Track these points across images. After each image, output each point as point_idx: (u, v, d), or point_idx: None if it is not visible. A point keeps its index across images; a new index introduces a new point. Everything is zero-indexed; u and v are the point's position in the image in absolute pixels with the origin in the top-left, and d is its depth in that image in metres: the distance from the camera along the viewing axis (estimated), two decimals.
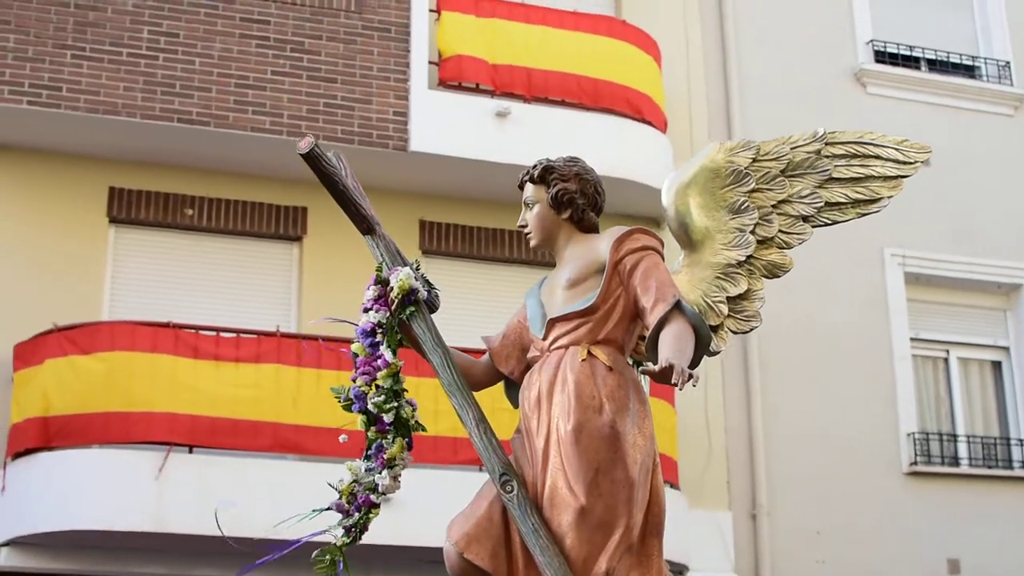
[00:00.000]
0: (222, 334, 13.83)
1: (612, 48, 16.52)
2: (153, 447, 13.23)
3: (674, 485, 14.73)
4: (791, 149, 5.97)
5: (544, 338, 5.66)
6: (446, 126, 15.22)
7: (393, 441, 5.64)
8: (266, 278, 15.39)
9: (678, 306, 5.35)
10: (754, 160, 5.98)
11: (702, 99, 17.60)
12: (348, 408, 5.70)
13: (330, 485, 5.62)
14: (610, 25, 16.60)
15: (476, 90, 15.55)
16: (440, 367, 5.61)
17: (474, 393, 5.70)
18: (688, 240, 5.96)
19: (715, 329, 5.81)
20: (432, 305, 5.85)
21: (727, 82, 17.91)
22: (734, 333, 5.86)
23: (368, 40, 15.14)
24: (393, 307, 5.67)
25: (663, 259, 5.62)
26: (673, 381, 5.00)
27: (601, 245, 5.63)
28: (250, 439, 13.45)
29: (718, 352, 5.77)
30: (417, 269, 5.86)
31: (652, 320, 5.36)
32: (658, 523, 5.48)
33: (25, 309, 14.15)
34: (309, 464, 13.47)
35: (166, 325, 13.58)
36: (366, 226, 5.90)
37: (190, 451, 13.45)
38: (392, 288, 5.67)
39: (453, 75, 15.45)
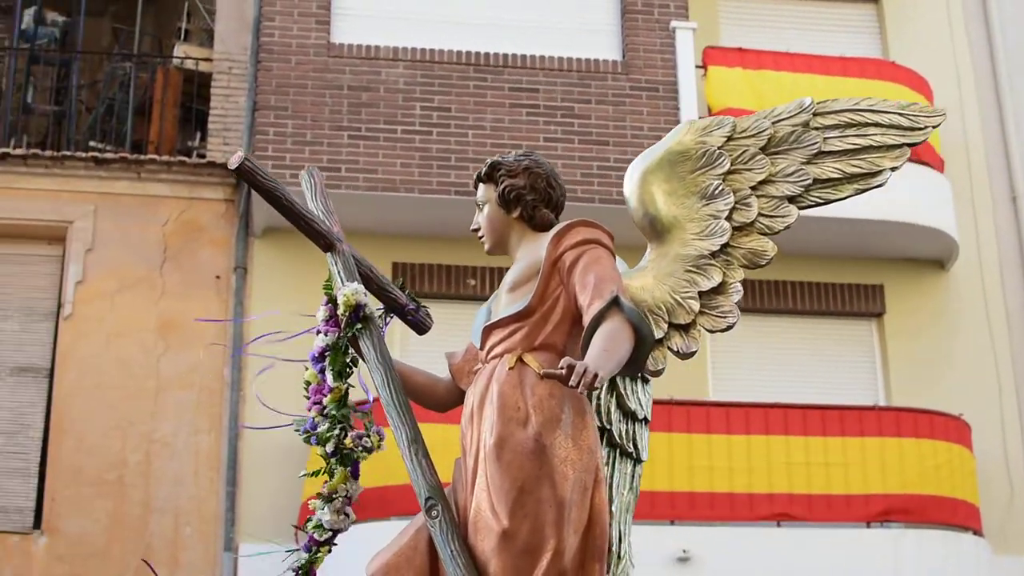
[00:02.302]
0: None
1: (882, 91, 16.35)
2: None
3: (977, 532, 14.40)
4: (773, 124, 5.48)
5: (481, 347, 5.31)
6: None
7: (334, 472, 5.30)
8: None
9: (616, 303, 4.94)
10: (729, 138, 5.49)
11: (977, 134, 17.36)
12: (308, 442, 5.39)
13: (294, 527, 5.57)
14: (879, 67, 16.60)
15: None
16: (380, 385, 5.29)
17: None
18: (655, 232, 5.48)
19: (686, 328, 5.32)
20: (423, 326, 5.68)
21: (1002, 114, 17.57)
22: (709, 332, 5.34)
23: (636, 100, 15.42)
24: (342, 326, 5.39)
25: (612, 253, 5.22)
26: (571, 383, 4.60)
27: (545, 243, 5.24)
28: None
29: (691, 353, 5.33)
30: (403, 288, 5.73)
31: (586, 319, 4.97)
32: (599, 546, 4.99)
33: None
34: None
35: None
36: (324, 243, 5.58)
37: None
38: (339, 306, 5.39)
39: None
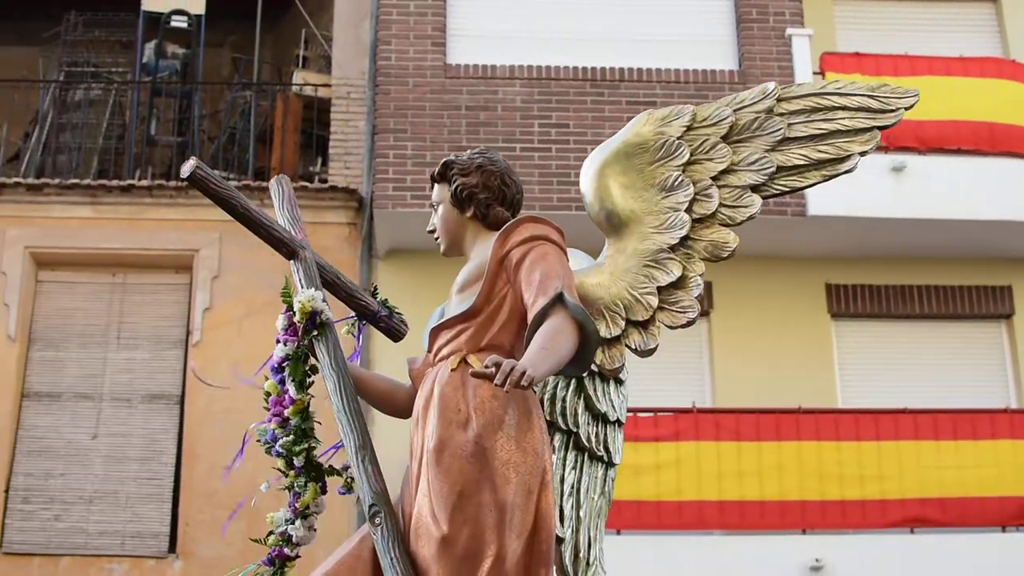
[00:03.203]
0: (639, 414, 14.11)
1: (1004, 90, 16.31)
2: None
3: None
4: (734, 112, 5.34)
5: (429, 349, 5.22)
6: (842, 187, 15.14)
7: (306, 487, 5.24)
8: (676, 355, 15.67)
9: (560, 299, 4.85)
10: (689, 128, 5.36)
11: None
12: (269, 453, 5.31)
13: (253, 540, 5.38)
14: (999, 66, 16.57)
15: None
16: (332, 392, 5.20)
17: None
18: (612, 227, 5.35)
19: (644, 325, 5.17)
20: (397, 332, 5.64)
21: None
22: (669, 328, 5.20)
23: None
24: (300, 334, 5.32)
25: (562, 249, 5.10)
26: (496, 382, 4.51)
27: (494, 241, 5.15)
28: (674, 518, 13.72)
29: (650, 351, 5.18)
30: (375, 294, 5.69)
31: (530, 317, 4.89)
32: (546, 551, 4.85)
33: None
34: (735, 538, 13.64)
35: None
36: (286, 250, 5.51)
37: (617, 534, 13.72)
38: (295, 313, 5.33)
39: None
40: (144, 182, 16.57)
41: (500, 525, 4.74)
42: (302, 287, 5.40)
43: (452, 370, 4.98)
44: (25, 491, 15.60)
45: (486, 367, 4.57)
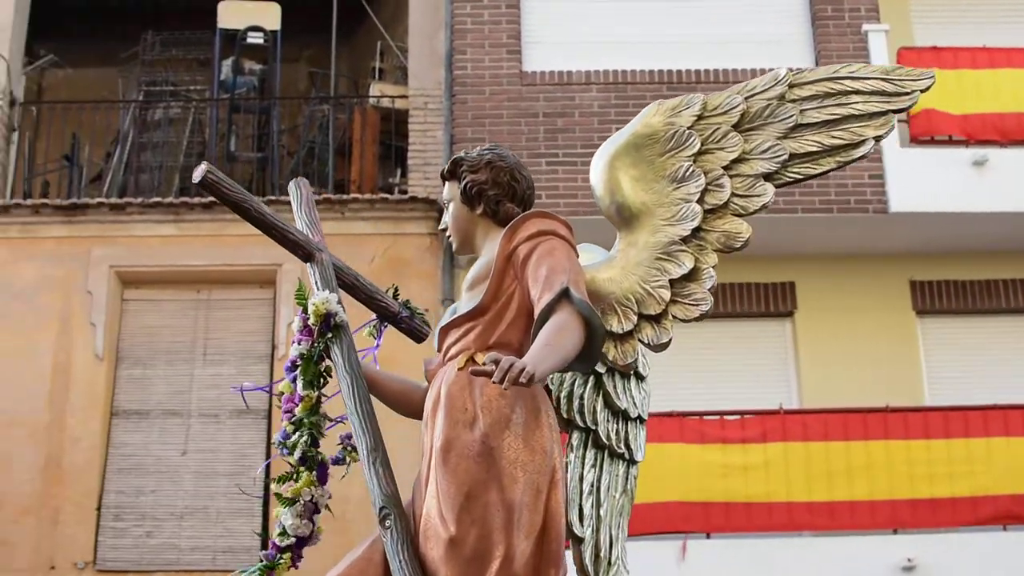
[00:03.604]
0: (726, 417, 14.16)
1: None
2: (669, 537, 13.62)
3: None
4: (746, 99, 5.27)
5: (439, 348, 5.19)
6: (923, 182, 15.35)
7: (299, 476, 5.23)
8: (761, 357, 15.74)
9: (566, 295, 4.80)
10: (699, 117, 5.27)
11: None
12: (282, 453, 5.32)
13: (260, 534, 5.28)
14: None
15: (949, 142, 15.54)
16: (346, 395, 5.21)
17: None
18: (623, 220, 5.26)
19: (657, 319, 5.10)
20: (419, 333, 5.63)
21: None
22: (682, 321, 5.13)
23: None
24: (314, 335, 5.32)
25: (570, 243, 5.03)
26: (494, 380, 4.44)
27: (501, 237, 5.10)
28: (765, 519, 13.69)
29: (663, 345, 5.12)
30: (396, 295, 5.69)
31: (536, 313, 4.83)
32: (556, 550, 4.80)
33: None
34: (826, 539, 13.65)
35: (670, 414, 14.02)
36: (302, 253, 5.53)
37: (708, 537, 13.76)
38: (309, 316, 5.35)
39: (924, 130, 15.62)
40: None
41: (508, 525, 4.70)
42: (317, 289, 5.40)
43: (459, 369, 4.94)
44: (117, 508, 15.84)
45: (484, 364, 4.53)
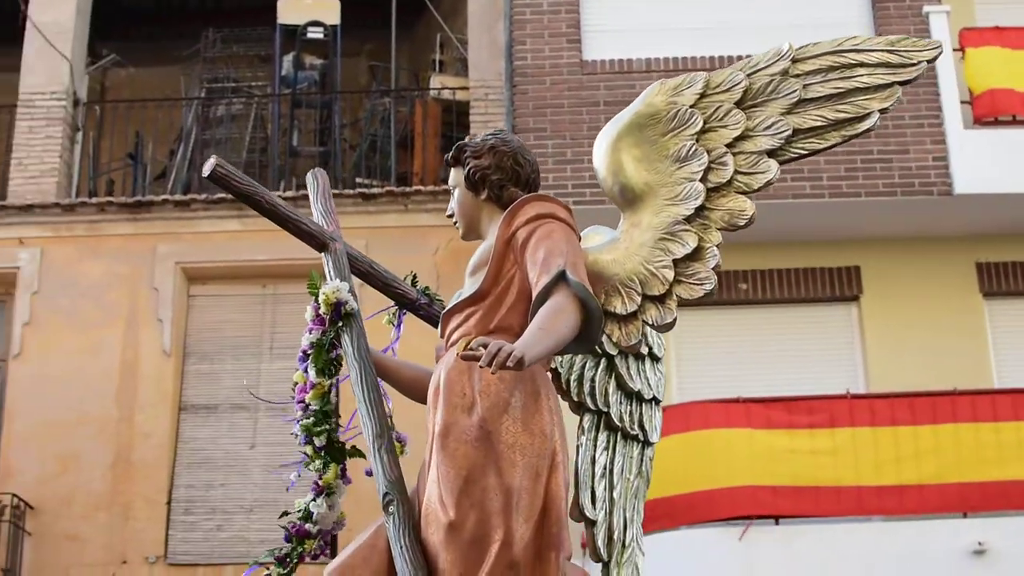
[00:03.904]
0: (792, 402, 14.18)
1: None
2: (736, 522, 13.65)
3: None
4: (748, 76, 5.15)
5: (442, 334, 5.20)
6: (988, 164, 15.32)
7: (327, 467, 5.31)
8: (827, 342, 15.73)
9: (563, 277, 4.80)
10: (702, 96, 5.16)
11: None
12: (297, 439, 5.43)
13: (281, 527, 5.38)
14: None
15: (1013, 122, 15.51)
16: (355, 382, 5.29)
17: None
18: (626, 201, 5.19)
19: (661, 299, 5.01)
20: (437, 319, 5.47)
21: None
22: (687, 301, 5.02)
23: None
24: (326, 324, 5.39)
25: (570, 226, 5.05)
26: (482, 364, 4.47)
27: (500, 222, 5.13)
28: (833, 504, 13.69)
29: (667, 325, 5.05)
30: (415, 282, 5.76)
31: (533, 296, 4.84)
32: (556, 533, 4.81)
33: None
34: (896, 524, 13.63)
35: (736, 400, 14.05)
36: (316, 243, 5.59)
37: (776, 522, 13.78)
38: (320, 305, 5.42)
39: (987, 111, 15.59)
40: (289, 193, 16.91)
41: (507, 509, 4.72)
42: (330, 279, 5.48)
43: (458, 354, 4.83)
44: (187, 502, 16.05)
45: (470, 349, 4.55)
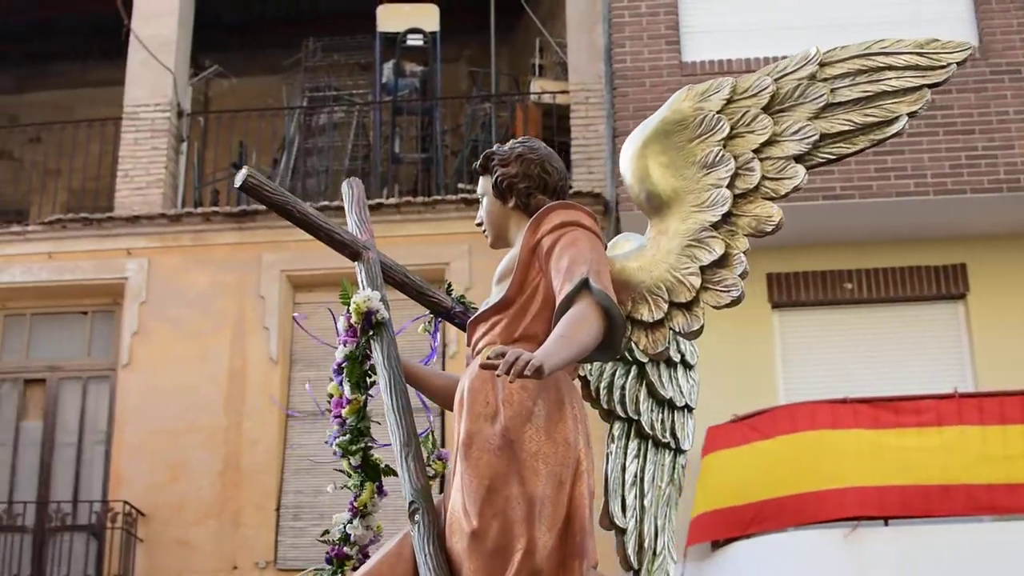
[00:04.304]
0: (899, 403, 14.15)
1: None
2: (844, 523, 13.64)
3: None
4: (775, 80, 5.09)
5: (468, 343, 5.20)
6: None
7: (363, 486, 5.32)
8: (933, 340, 15.68)
9: (586, 285, 4.77)
10: (729, 101, 5.12)
11: None
12: (335, 455, 5.43)
13: (320, 540, 5.45)
14: None
15: None
16: (383, 390, 5.31)
17: None
18: (653, 208, 5.16)
19: (688, 306, 5.00)
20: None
21: None
22: (714, 308, 5.00)
23: (999, 85, 15.44)
24: (358, 334, 5.41)
25: (595, 233, 5.04)
26: (498, 373, 4.48)
27: (525, 230, 5.11)
28: (943, 504, 13.65)
29: (694, 332, 5.04)
30: (450, 291, 5.77)
31: (556, 304, 4.83)
32: (580, 542, 4.79)
33: (702, 403, 14.87)
34: (1007, 523, 13.59)
35: (843, 401, 14.05)
36: (349, 252, 5.63)
37: (885, 523, 13.76)
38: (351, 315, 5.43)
39: None
40: (392, 200, 17.12)
41: (529, 518, 4.71)
42: (362, 288, 5.49)
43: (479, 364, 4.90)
44: (295, 508, 16.25)
45: (489, 358, 4.56)
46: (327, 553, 5.35)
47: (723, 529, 14.36)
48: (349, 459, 5.36)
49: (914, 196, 15.16)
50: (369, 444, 5.37)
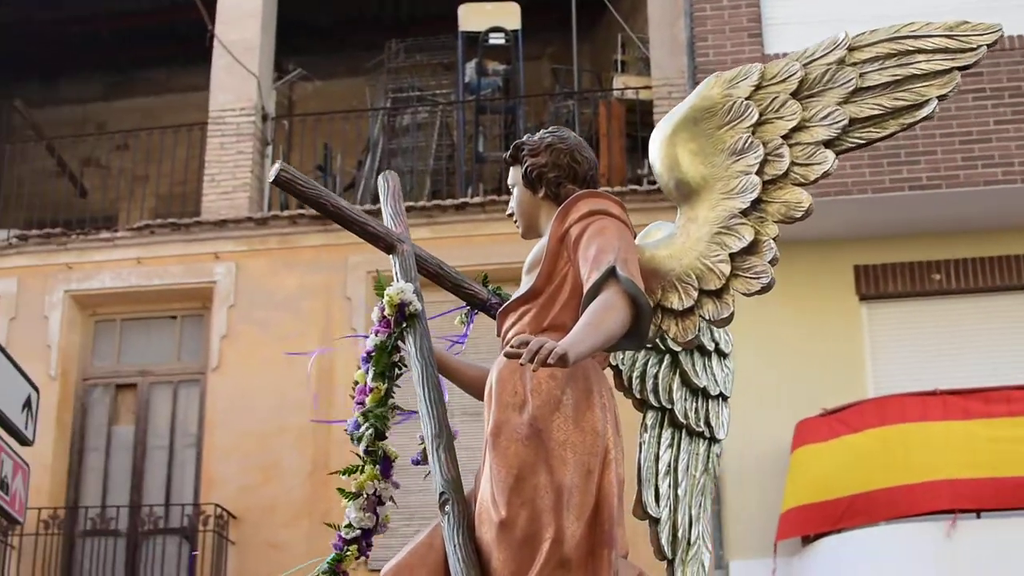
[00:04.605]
0: (990, 393, 14.07)
1: None
2: (937, 517, 13.57)
3: None
4: (804, 66, 5.08)
5: (498, 332, 5.23)
6: None
7: (362, 470, 5.36)
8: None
9: (613, 273, 4.77)
10: (757, 87, 5.11)
11: None
12: (353, 442, 5.47)
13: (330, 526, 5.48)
14: None
15: None
16: (416, 381, 5.32)
17: None
18: (682, 196, 5.17)
19: (718, 294, 4.99)
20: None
21: None
22: (745, 295, 4.98)
23: None
24: (391, 325, 5.43)
25: (624, 222, 5.05)
26: (522, 361, 4.51)
27: (553, 219, 5.13)
28: None
29: (725, 320, 5.02)
30: (486, 283, 5.79)
31: (584, 293, 4.83)
32: (609, 531, 4.79)
33: (791, 398, 14.90)
34: None
35: (933, 393, 13.98)
36: (384, 244, 5.64)
37: (978, 516, 13.69)
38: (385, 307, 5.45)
39: None
40: (476, 199, 17.19)
41: (557, 507, 4.73)
42: (397, 280, 5.53)
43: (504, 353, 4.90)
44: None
45: (513, 347, 4.59)
46: (335, 540, 5.42)
47: (813, 524, 14.34)
48: (360, 443, 5.40)
49: (1002, 184, 15.05)
50: (378, 428, 5.37)
